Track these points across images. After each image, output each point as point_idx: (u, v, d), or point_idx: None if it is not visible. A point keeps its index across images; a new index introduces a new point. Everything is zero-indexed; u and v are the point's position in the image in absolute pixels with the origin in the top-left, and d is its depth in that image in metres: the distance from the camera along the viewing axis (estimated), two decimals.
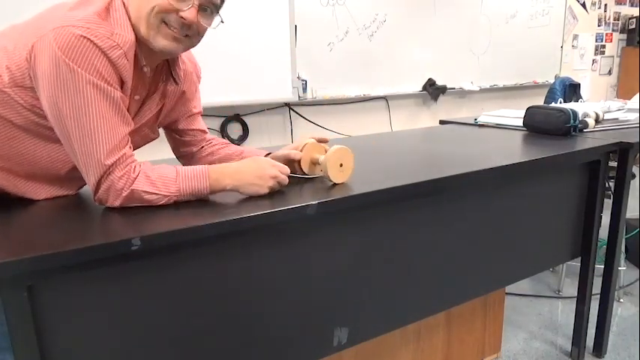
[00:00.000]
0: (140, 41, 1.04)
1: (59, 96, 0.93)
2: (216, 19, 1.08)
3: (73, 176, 1.10)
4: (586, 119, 1.95)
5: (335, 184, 1.22)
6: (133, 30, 1.02)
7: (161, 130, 1.31)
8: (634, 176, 2.62)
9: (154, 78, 1.15)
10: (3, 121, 1.00)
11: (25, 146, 1.04)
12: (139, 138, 1.18)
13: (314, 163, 1.27)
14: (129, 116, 1.03)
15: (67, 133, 0.97)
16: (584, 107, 2.08)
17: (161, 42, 1.03)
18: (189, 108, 1.30)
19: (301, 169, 1.26)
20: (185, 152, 1.35)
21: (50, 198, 1.13)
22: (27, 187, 1.10)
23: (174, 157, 1.39)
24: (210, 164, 1.11)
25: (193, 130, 1.32)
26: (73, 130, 0.96)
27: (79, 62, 0.92)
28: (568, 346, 2.03)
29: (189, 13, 1.01)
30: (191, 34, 1.06)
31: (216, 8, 1.06)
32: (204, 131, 1.35)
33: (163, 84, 1.17)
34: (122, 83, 1.01)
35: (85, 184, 1.15)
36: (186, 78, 1.23)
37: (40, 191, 1.12)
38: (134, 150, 1.08)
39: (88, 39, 0.92)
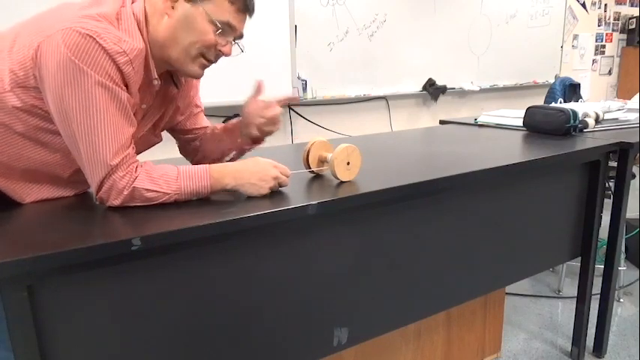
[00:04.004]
0: (152, 51, 1.04)
1: (66, 95, 0.93)
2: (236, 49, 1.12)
3: (76, 180, 1.10)
4: (586, 119, 1.95)
5: (341, 182, 1.23)
6: (145, 40, 1.02)
7: (164, 132, 1.30)
8: (634, 176, 2.62)
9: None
10: (2, 128, 0.99)
11: (26, 152, 1.03)
12: (141, 143, 1.18)
13: (322, 160, 1.28)
14: (133, 117, 1.03)
15: (73, 132, 0.96)
16: (584, 107, 2.08)
17: (192, 69, 1.08)
18: (192, 107, 1.32)
19: (309, 166, 1.28)
20: (191, 149, 1.37)
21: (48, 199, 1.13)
22: (22, 191, 1.08)
23: (175, 157, 1.39)
24: (207, 156, 1.15)
25: (198, 128, 1.35)
26: (80, 129, 0.95)
27: (88, 62, 0.92)
28: (568, 346, 2.03)
29: (228, 49, 1.07)
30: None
31: (240, 38, 1.11)
32: (207, 128, 1.38)
33: (164, 88, 1.17)
34: (127, 87, 1.01)
35: (83, 190, 1.15)
36: (186, 80, 1.23)
37: (35, 195, 1.10)
38: (137, 155, 1.08)
39: (96, 41, 0.92)
